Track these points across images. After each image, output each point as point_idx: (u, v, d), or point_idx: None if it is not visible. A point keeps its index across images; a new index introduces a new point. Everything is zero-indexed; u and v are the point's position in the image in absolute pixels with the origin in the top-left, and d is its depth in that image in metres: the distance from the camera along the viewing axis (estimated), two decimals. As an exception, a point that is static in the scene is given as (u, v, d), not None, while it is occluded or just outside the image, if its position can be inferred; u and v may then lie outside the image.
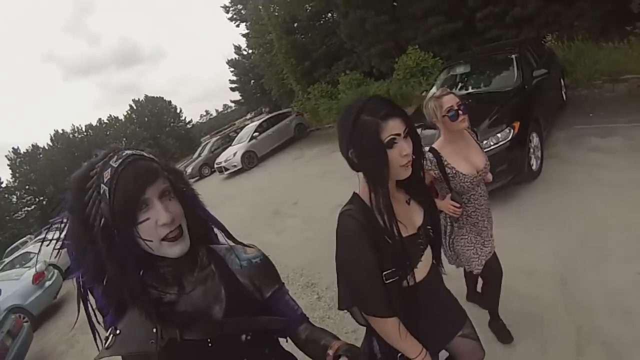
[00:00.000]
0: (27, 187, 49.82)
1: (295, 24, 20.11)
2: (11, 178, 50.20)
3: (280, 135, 15.49)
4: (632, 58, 7.26)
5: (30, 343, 6.00)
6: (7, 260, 12.76)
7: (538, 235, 3.65)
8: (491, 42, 10.23)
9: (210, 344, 0.99)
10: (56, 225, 0.99)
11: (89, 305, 1.02)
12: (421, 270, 1.40)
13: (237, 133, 18.89)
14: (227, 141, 19.48)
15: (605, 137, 5.18)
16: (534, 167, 4.58)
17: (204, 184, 16.97)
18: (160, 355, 0.94)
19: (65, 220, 0.97)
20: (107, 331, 1.00)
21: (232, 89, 31.87)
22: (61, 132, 56.27)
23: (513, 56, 5.46)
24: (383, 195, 1.23)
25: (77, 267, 0.97)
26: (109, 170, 0.89)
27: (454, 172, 2.09)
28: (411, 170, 1.27)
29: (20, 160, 51.89)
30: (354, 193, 1.37)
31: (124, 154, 0.92)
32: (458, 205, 2.13)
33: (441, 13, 12.73)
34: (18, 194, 49.82)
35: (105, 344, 0.97)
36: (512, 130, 4.21)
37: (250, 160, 14.84)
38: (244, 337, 1.04)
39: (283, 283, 1.19)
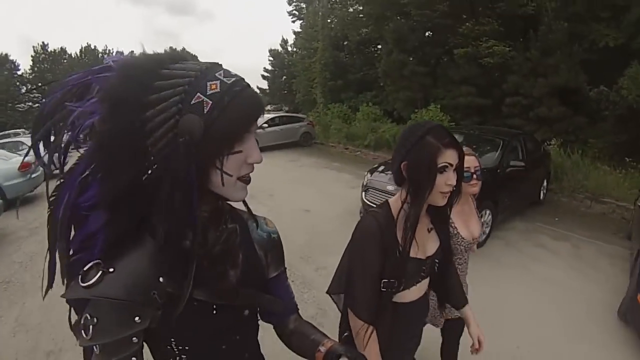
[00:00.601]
0: (40, 84, 50.55)
1: (345, 42, 20.79)
2: (29, 70, 51.02)
3: (286, 135, 15.92)
4: (621, 187, 7.74)
5: (-4, 217, 6.52)
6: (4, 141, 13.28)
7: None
8: (507, 127, 10.72)
9: (215, 311, 0.91)
10: (77, 118, 0.76)
11: (66, 233, 0.78)
12: (412, 294, 1.46)
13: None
14: None
15: (556, 240, 5.67)
16: (477, 240, 5.02)
17: None
18: (159, 310, 0.79)
19: (95, 112, 0.74)
20: (81, 269, 0.75)
21: (263, 77, 32.49)
22: (93, 47, 56.64)
23: (500, 141, 6.02)
24: (414, 212, 1.30)
25: (100, 180, 0.75)
26: (218, 83, 0.75)
27: (455, 232, 2.09)
28: (445, 201, 1.34)
29: (44, 57, 52.62)
30: (386, 201, 1.45)
31: (233, 73, 0.79)
32: None
33: (475, 85, 13.28)
34: (29, 86, 50.38)
35: (80, 279, 0.74)
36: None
37: None
38: (246, 312, 0.97)
39: (286, 267, 1.12)
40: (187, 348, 0.91)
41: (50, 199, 0.78)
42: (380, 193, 5.46)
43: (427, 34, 15.86)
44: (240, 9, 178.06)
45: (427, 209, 1.40)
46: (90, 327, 0.73)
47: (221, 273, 0.91)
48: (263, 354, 1.16)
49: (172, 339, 0.89)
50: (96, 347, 0.76)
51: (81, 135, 0.77)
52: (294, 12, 27.01)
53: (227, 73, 0.77)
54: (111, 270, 0.74)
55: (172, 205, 0.73)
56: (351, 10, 19.82)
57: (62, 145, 0.78)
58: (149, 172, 0.74)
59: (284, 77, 29.00)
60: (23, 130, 27.48)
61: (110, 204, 0.74)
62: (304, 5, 25.73)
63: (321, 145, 16.48)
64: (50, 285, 0.80)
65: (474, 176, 2.06)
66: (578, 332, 3.52)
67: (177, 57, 0.79)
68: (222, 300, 0.89)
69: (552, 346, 3.33)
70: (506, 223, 5.90)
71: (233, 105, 0.74)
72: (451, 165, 1.28)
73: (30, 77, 49.88)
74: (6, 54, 49.48)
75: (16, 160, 8.89)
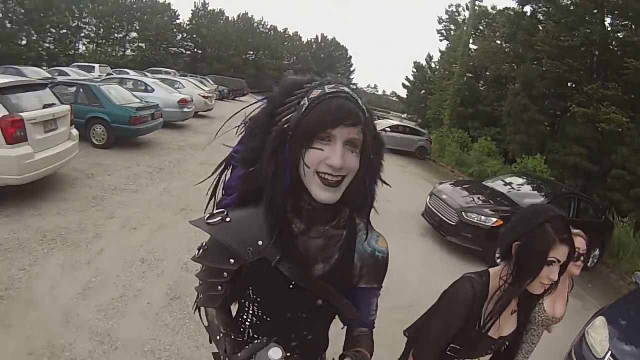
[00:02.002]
0: (194, 35, 60.13)
1: (484, 73, 22.13)
2: (187, 21, 59.94)
3: (403, 144, 18.21)
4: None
5: (155, 130, 10.51)
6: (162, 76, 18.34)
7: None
8: (606, 201, 11.48)
9: (291, 287, 1.06)
10: (257, 101, 1.15)
11: (224, 171, 1.20)
12: None
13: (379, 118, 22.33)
14: None
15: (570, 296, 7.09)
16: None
17: None
18: (249, 263, 1.06)
19: (262, 103, 1.12)
20: (217, 209, 1.14)
21: (404, 86, 34.53)
22: (250, 15, 64.31)
23: (562, 192, 7.74)
24: (509, 295, 1.37)
25: (240, 142, 1.14)
26: (320, 91, 0.96)
27: (540, 301, 2.08)
28: (542, 292, 1.39)
29: (202, 14, 60.99)
30: (487, 269, 1.51)
31: (341, 87, 0.98)
32: None
33: (587, 148, 13.80)
34: (184, 35, 59.93)
35: (208, 218, 1.08)
36: (496, 222, 6.57)
37: None
38: (319, 302, 1.09)
39: (381, 287, 1.21)
40: (259, 300, 1.13)
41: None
42: (438, 199, 7.54)
43: (553, 86, 16.44)
44: (399, 11, 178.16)
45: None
46: (202, 250, 1.14)
47: (310, 262, 1.08)
48: (328, 341, 1.28)
49: (251, 287, 1.12)
50: (202, 266, 1.18)
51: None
52: (442, 31, 28.68)
53: (337, 87, 0.98)
54: (228, 220, 1.06)
55: (271, 177, 1.00)
56: (493, 43, 20.51)
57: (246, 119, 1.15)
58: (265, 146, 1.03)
59: (423, 90, 30.51)
60: (174, 71, 33.30)
61: (243, 160, 1.10)
62: (453, 27, 27.24)
63: (432, 162, 18.40)
64: (211, 202, 1.24)
65: (581, 258, 2.13)
66: None
67: (333, 81, 1.03)
68: (298, 280, 1.04)
69: None
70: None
71: (318, 107, 0.93)
72: (559, 261, 1.32)
73: (187, 27, 58.53)
74: (169, 3, 58.30)
75: (176, 95, 13.16)
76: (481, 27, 24.24)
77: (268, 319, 1.13)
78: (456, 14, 27.65)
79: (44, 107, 5.83)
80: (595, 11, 14.17)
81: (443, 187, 8.10)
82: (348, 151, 0.94)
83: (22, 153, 5.14)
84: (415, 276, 5.59)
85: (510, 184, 8.48)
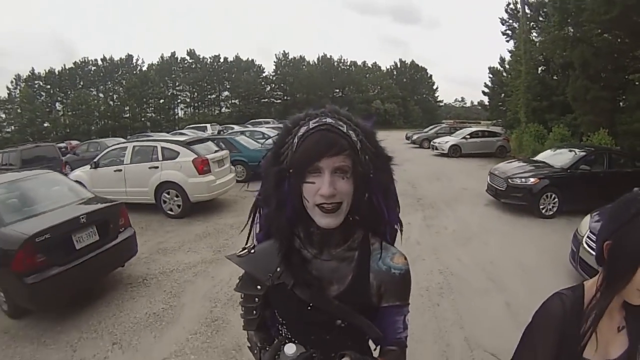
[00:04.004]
0: (282, 84, 66.30)
1: (551, 63, 23.26)
2: (272, 72, 67.54)
3: (484, 146, 20.91)
4: None
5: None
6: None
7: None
8: None
9: (309, 309, 1.16)
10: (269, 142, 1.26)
11: (256, 212, 1.34)
12: None
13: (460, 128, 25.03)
14: (452, 131, 25.72)
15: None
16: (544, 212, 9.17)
17: (417, 151, 25.17)
18: (268, 289, 1.23)
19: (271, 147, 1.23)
20: (252, 242, 1.32)
21: (484, 93, 36.11)
22: (329, 56, 70.08)
23: (591, 150, 10.19)
24: (600, 305, 1.15)
25: (261, 184, 1.26)
26: (305, 128, 1.09)
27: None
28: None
29: (285, 63, 68.40)
30: (582, 283, 1.28)
31: (323, 120, 1.09)
32: None
33: None
34: (273, 86, 66.91)
35: (239, 252, 1.28)
36: (534, 181, 9.04)
37: (455, 151, 21.31)
38: (339, 322, 1.15)
39: (408, 304, 1.23)
40: (284, 322, 1.26)
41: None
42: (493, 175, 10.24)
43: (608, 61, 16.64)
44: (465, 15, 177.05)
45: (622, 303, 1.19)
46: (240, 280, 1.35)
47: (324, 284, 1.17)
48: None
49: (276, 310, 1.27)
50: (241, 295, 1.36)
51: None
52: (507, 32, 29.47)
53: (319, 120, 1.09)
54: (253, 251, 1.25)
55: (274, 210, 1.16)
56: (552, 33, 20.71)
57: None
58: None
59: (502, 94, 31.31)
60: (272, 119, 39.15)
61: (264, 201, 1.24)
62: (516, 25, 27.74)
63: (512, 158, 20.27)
64: (247, 238, 1.34)
65: None
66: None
67: (320, 113, 1.14)
68: (313, 302, 1.14)
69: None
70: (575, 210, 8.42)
71: (303, 144, 1.07)
72: None
73: (274, 78, 66.60)
74: (252, 60, 66.95)
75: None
76: (541, 19, 24.92)
77: (295, 340, 1.17)
78: (516, 11, 27.82)
79: (215, 152, 9.83)
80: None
81: (497, 166, 10.95)
82: (339, 178, 1.05)
83: (209, 179, 9.18)
84: (477, 225, 8.57)
85: (551, 154, 10.90)
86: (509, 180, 9.44)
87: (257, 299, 1.28)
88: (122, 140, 19.08)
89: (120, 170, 9.60)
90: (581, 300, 1.21)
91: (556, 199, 9.05)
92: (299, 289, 1.15)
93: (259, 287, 1.25)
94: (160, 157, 9.31)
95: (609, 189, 7.00)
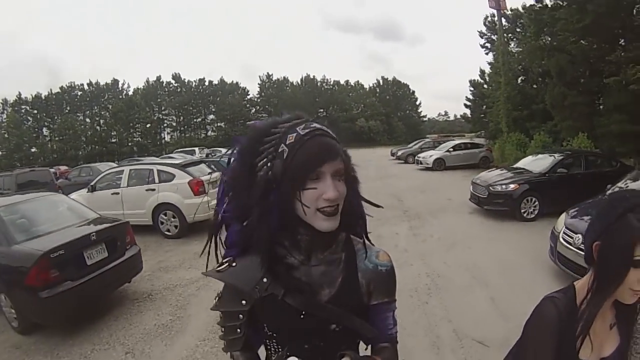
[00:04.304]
0: (266, 106, 67.58)
1: (530, 73, 24.03)
2: (257, 95, 68.99)
3: (467, 158, 21.68)
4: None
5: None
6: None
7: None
8: None
9: (302, 317, 1.13)
10: (224, 157, 1.24)
11: (218, 235, 1.25)
12: None
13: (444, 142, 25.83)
14: (436, 146, 26.30)
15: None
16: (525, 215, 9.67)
17: (403, 166, 26.02)
18: (257, 302, 1.16)
19: (233, 157, 1.18)
20: (224, 259, 1.23)
21: (466, 106, 37.02)
22: (312, 77, 71.96)
23: (568, 153, 10.84)
24: (591, 309, 1.16)
25: (225, 201, 1.20)
26: (294, 135, 1.06)
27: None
28: (635, 300, 1.14)
29: (269, 84, 69.66)
30: (572, 284, 1.27)
31: (312, 125, 1.08)
32: None
33: (627, 113, 14.90)
34: (258, 108, 67.83)
35: (218, 267, 1.20)
36: (513, 187, 9.56)
37: (439, 164, 21.93)
38: (333, 326, 1.15)
39: (395, 300, 1.27)
40: (275, 335, 1.20)
41: (215, 207, 1.27)
42: (475, 184, 10.77)
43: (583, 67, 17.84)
44: (448, 31, 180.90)
45: (614, 302, 1.20)
46: (217, 298, 1.26)
47: (315, 289, 1.15)
48: None
49: (265, 324, 1.20)
50: (220, 314, 1.26)
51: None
52: (486, 44, 30.81)
53: (307, 126, 1.07)
54: (234, 264, 1.17)
55: (257, 223, 1.09)
56: (529, 43, 21.72)
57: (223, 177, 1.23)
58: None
59: (484, 106, 32.06)
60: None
61: (238, 217, 1.16)
62: (495, 38, 28.54)
63: (495, 168, 21.09)
64: (216, 260, 1.25)
65: None
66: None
67: (293, 118, 1.14)
68: (306, 309, 1.12)
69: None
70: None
71: (300, 151, 1.03)
72: None
73: (258, 100, 67.64)
74: (237, 82, 68.23)
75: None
76: (518, 29, 26.21)
77: (288, 353, 1.15)
78: (494, 24, 28.75)
79: (209, 173, 10.12)
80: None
81: (479, 175, 11.52)
82: (336, 181, 1.06)
83: (205, 200, 9.34)
84: (461, 231, 8.98)
85: (531, 160, 11.53)
86: (490, 187, 9.96)
87: (241, 316, 1.21)
88: (113, 164, 19.35)
89: (118, 193, 9.93)
90: (573, 301, 1.21)
91: (536, 203, 9.58)
92: (291, 297, 1.12)
93: (243, 302, 1.19)
94: (156, 180, 9.62)
95: (586, 189, 7.77)
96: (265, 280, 1.13)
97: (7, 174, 15.90)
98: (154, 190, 9.59)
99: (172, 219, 9.47)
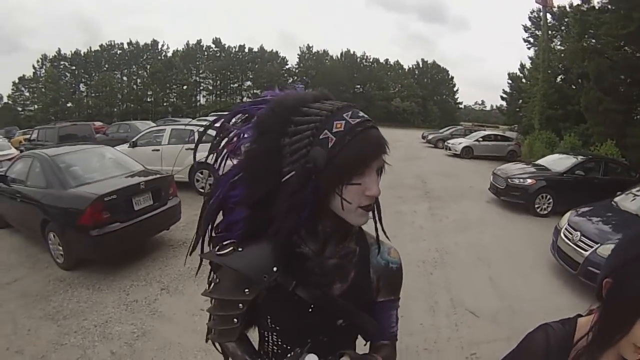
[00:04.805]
0: (304, 77, 67.74)
1: (569, 73, 24.03)
2: (296, 65, 69.86)
3: (495, 150, 22.10)
4: None
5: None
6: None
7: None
8: None
9: (311, 310, 1.09)
10: (230, 131, 1.17)
11: (215, 218, 1.17)
12: None
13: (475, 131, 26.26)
14: (467, 134, 26.85)
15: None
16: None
17: (432, 150, 26.94)
18: (265, 291, 1.08)
19: (246, 134, 1.10)
20: (222, 242, 1.12)
21: (502, 98, 37.10)
22: (352, 52, 71.72)
23: (589, 157, 11.40)
24: (590, 354, 0.98)
25: (227, 182, 1.11)
26: (343, 122, 0.97)
27: None
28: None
29: (308, 56, 70.42)
30: (575, 317, 1.10)
31: (359, 114, 1.00)
32: None
33: None
34: (295, 78, 67.89)
35: (218, 249, 1.08)
36: (530, 182, 10.08)
37: (467, 152, 22.51)
38: (340, 322, 1.12)
39: (399, 298, 1.26)
40: (278, 328, 1.15)
41: (207, 191, 1.17)
42: (495, 175, 11.31)
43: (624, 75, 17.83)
44: (495, 20, 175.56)
45: (618, 357, 0.98)
46: (213, 284, 1.17)
47: (328, 282, 1.11)
48: None
49: (269, 316, 1.13)
50: (213, 300, 1.16)
51: (239, 149, 1.13)
52: (529, 39, 30.85)
53: (355, 114, 0.99)
54: (240, 249, 1.06)
55: (285, 214, 1.00)
56: (572, 44, 21.74)
57: (224, 153, 1.18)
58: (280, 186, 1.00)
59: (520, 100, 32.43)
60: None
61: (250, 204, 1.06)
62: (539, 33, 28.42)
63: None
64: (201, 249, 1.20)
65: None
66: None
67: (320, 97, 1.06)
68: (317, 303, 1.07)
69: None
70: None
71: (353, 143, 0.94)
72: None
73: (296, 70, 67.98)
74: (277, 51, 68.62)
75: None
76: (563, 27, 26.09)
77: (288, 347, 1.14)
78: (539, 19, 28.86)
79: None
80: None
81: (501, 167, 12.08)
82: (378, 176, 1.02)
83: None
84: (476, 217, 9.63)
85: (552, 159, 11.96)
86: (509, 180, 10.50)
87: (241, 305, 1.09)
88: (151, 123, 20.37)
89: (158, 150, 10.70)
90: (570, 337, 1.05)
91: (551, 200, 10.06)
92: (303, 290, 1.06)
93: (247, 290, 1.07)
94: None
95: (601, 193, 8.28)
96: (275, 269, 1.05)
97: (50, 126, 16.91)
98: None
99: (209, 178, 10.05)
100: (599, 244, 5.56)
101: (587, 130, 19.87)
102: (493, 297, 5.43)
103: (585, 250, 5.65)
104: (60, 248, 5.74)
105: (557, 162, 11.39)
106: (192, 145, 10.22)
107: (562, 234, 6.39)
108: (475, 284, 5.83)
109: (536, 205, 10.06)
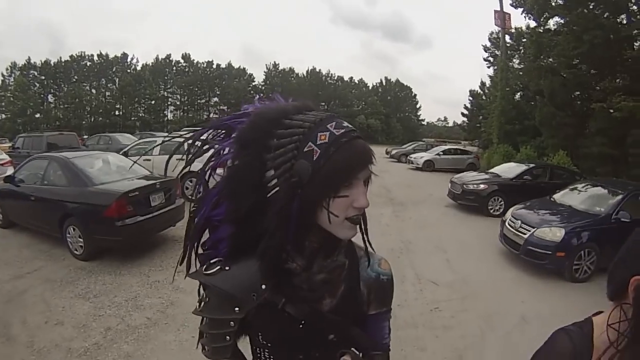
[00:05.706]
0: (270, 95, 67.55)
1: (527, 90, 25.61)
2: (262, 82, 70.15)
3: (455, 163, 23.96)
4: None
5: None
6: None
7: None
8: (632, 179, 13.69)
9: (302, 326, 1.07)
10: (215, 147, 1.14)
11: (201, 235, 1.15)
12: None
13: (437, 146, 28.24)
14: (428, 148, 28.80)
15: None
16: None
17: (396, 165, 28.48)
18: (254, 309, 1.04)
19: (227, 149, 1.09)
20: (208, 261, 1.09)
21: (463, 114, 39.16)
22: (317, 70, 73.53)
23: (536, 165, 12.64)
24: (631, 356, 0.92)
25: (210, 201, 1.09)
26: (327, 134, 0.95)
27: None
28: None
29: (275, 73, 71.46)
30: (590, 317, 1.07)
31: (344, 125, 0.98)
32: None
33: (607, 137, 16.28)
34: (261, 95, 68.03)
35: (204, 268, 1.06)
36: (483, 187, 11.52)
37: (428, 165, 24.23)
38: (331, 336, 1.10)
39: (391, 309, 1.25)
40: (269, 345, 1.13)
41: (192, 209, 1.15)
42: (452, 182, 12.71)
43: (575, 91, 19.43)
44: (456, 36, 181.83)
45: None
46: (202, 303, 1.10)
47: (317, 298, 1.09)
48: None
49: (260, 333, 1.12)
50: (204, 319, 1.13)
51: (223, 165, 1.11)
52: (489, 58, 32.45)
53: (339, 125, 0.97)
54: (227, 268, 1.03)
55: (272, 231, 0.97)
56: (527, 63, 23.36)
57: (206, 170, 1.16)
58: (265, 201, 0.98)
59: (480, 117, 34.41)
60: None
61: (234, 221, 1.03)
62: (498, 53, 29.73)
63: (477, 173, 23.41)
64: (187, 269, 1.14)
65: None
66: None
67: (302, 108, 1.05)
68: (307, 319, 1.06)
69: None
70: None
71: (338, 155, 0.92)
72: None
73: (263, 87, 68.17)
74: (244, 68, 69.33)
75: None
76: (521, 47, 27.32)
77: None
78: (498, 40, 30.14)
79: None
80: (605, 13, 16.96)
81: (457, 175, 13.60)
82: (365, 187, 1.02)
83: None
84: (435, 218, 11.03)
85: (505, 167, 13.54)
86: (464, 185, 12.00)
87: (232, 323, 1.06)
88: (131, 137, 21.05)
89: (149, 159, 11.20)
90: (589, 337, 1.00)
91: (502, 202, 11.45)
92: (292, 307, 1.05)
93: (236, 309, 1.04)
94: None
95: (545, 195, 9.57)
96: (264, 287, 1.03)
97: (38, 134, 17.50)
98: (183, 160, 11.12)
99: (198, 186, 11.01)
100: (535, 228, 6.93)
101: (542, 143, 21.47)
102: (449, 272, 6.70)
103: (525, 234, 7.00)
104: (81, 240, 6.47)
105: (508, 169, 12.92)
106: (182, 155, 11.68)
107: (507, 224, 7.73)
108: (434, 264, 7.09)
109: (489, 207, 11.48)
